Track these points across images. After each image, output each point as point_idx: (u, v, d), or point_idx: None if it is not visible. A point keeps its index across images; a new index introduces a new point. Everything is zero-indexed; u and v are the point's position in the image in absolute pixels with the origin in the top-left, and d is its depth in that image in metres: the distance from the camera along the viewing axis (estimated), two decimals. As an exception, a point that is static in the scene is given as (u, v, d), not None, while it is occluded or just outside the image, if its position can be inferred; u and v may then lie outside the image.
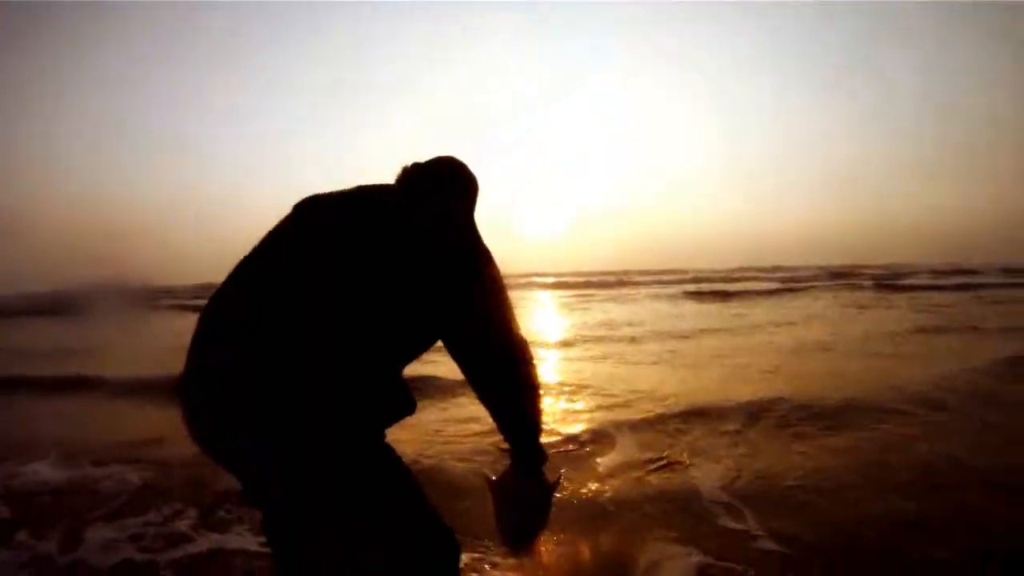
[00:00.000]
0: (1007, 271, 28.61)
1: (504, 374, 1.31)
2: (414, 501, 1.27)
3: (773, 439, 3.37)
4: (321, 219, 1.29)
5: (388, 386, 1.23)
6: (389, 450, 1.27)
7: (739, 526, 2.33)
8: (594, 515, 2.47)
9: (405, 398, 1.26)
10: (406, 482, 1.27)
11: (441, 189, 1.38)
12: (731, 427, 3.57)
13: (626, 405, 4.21)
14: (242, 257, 1.29)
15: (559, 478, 1.58)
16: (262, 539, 2.21)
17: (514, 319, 1.33)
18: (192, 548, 2.31)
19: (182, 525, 2.49)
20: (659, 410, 3.96)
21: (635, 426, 3.60)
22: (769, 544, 2.18)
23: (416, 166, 1.41)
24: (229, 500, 2.62)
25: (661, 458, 3.10)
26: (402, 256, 1.21)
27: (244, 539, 2.36)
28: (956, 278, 23.98)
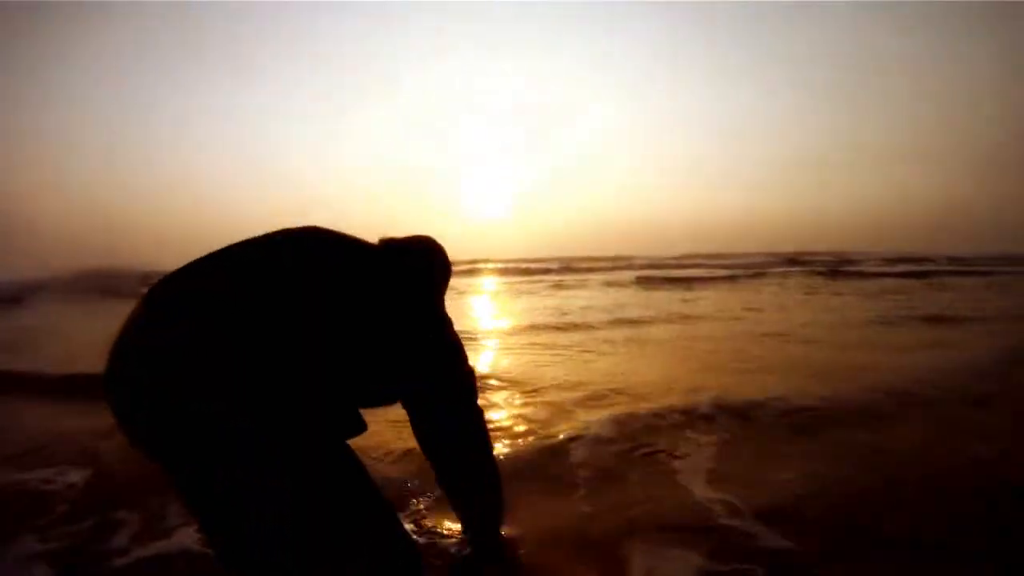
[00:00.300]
0: (954, 259, 30.13)
1: (465, 459, 1.48)
2: (374, 507, 1.26)
3: (759, 434, 3.33)
4: (327, 246, 1.39)
5: (341, 407, 1.28)
6: (349, 451, 1.28)
7: (737, 523, 2.27)
8: (576, 516, 2.37)
9: (356, 420, 1.32)
10: (365, 486, 1.26)
11: (420, 263, 1.53)
12: (712, 422, 3.52)
13: (596, 398, 4.14)
14: (219, 248, 1.32)
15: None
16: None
17: (475, 389, 1.50)
18: (130, 557, 2.13)
19: (124, 532, 2.31)
20: (633, 405, 3.89)
21: (609, 422, 3.49)
22: (774, 541, 2.12)
23: (395, 240, 1.52)
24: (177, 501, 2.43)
25: (642, 454, 3.04)
26: (387, 296, 1.34)
27: (189, 538, 2.21)
28: (904, 265, 25.20)
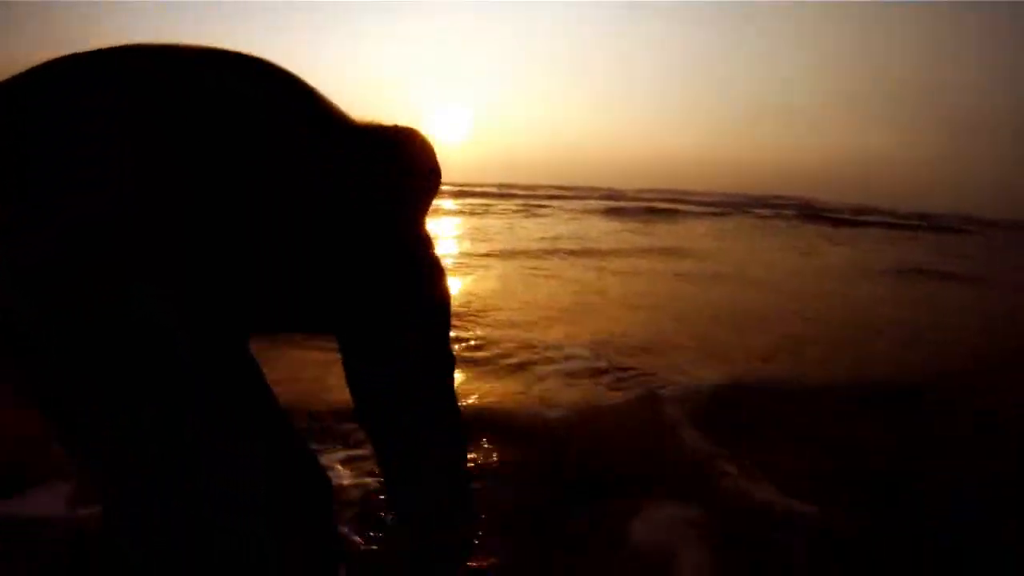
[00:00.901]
0: (923, 216, 30.62)
1: (416, 428, 1.09)
2: (279, 429, 1.01)
3: (761, 388, 3.07)
4: (298, 92, 1.04)
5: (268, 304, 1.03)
6: (254, 364, 1.02)
7: (753, 486, 2.08)
8: (550, 456, 2.18)
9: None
10: (269, 404, 1.01)
11: (416, 159, 1.19)
12: (702, 369, 3.30)
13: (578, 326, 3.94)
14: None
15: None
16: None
17: (447, 326, 1.15)
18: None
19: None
20: (630, 354, 3.54)
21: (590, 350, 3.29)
22: (798, 506, 1.95)
23: (386, 125, 1.16)
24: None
25: (622, 388, 2.87)
26: (365, 182, 1.04)
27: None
28: (873, 216, 25.57)
